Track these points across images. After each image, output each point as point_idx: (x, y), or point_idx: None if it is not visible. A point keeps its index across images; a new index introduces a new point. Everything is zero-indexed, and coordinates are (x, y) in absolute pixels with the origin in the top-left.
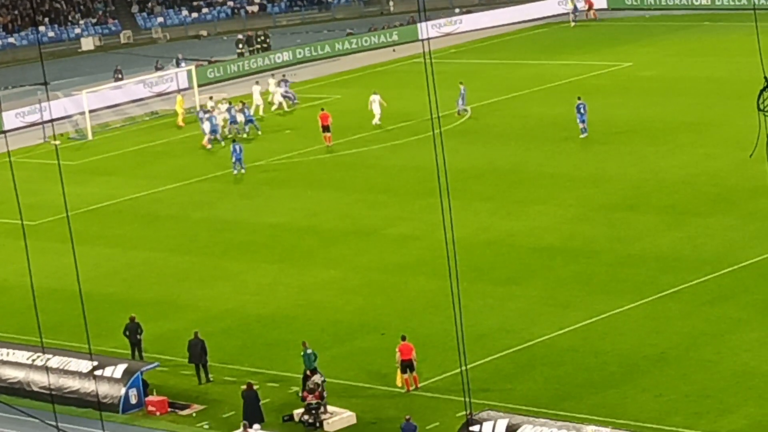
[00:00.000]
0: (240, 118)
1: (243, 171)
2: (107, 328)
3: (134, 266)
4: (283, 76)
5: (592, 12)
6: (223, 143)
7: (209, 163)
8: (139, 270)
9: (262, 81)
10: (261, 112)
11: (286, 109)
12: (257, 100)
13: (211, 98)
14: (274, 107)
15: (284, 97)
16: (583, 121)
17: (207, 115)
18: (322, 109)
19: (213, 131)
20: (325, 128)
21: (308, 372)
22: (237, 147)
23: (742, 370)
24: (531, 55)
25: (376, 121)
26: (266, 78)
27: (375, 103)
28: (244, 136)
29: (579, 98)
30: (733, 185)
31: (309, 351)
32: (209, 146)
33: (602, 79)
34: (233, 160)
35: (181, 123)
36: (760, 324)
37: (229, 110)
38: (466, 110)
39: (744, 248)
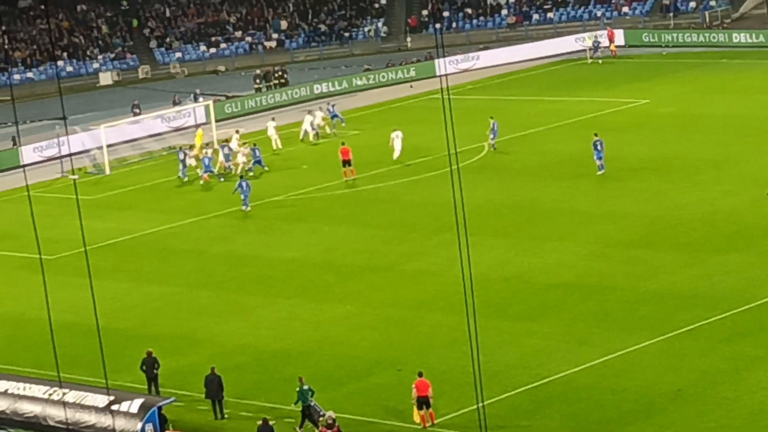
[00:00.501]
0: (241, 158)
1: (248, 209)
2: (124, 363)
3: (151, 301)
4: (328, 103)
5: (612, 47)
6: (221, 180)
7: (226, 198)
8: (155, 305)
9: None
10: (279, 145)
11: (311, 140)
12: (273, 135)
13: (237, 131)
14: (309, 136)
15: (326, 120)
16: (600, 158)
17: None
18: (343, 144)
19: (207, 169)
20: (346, 162)
21: (304, 408)
22: (243, 184)
23: (760, 408)
24: (548, 92)
25: (397, 155)
26: (314, 107)
27: (397, 139)
28: (251, 174)
29: (596, 135)
30: (750, 223)
31: (305, 387)
32: (208, 179)
33: (619, 115)
34: (242, 197)
35: (196, 153)
36: None
37: (222, 148)
38: (492, 145)
39: (761, 286)
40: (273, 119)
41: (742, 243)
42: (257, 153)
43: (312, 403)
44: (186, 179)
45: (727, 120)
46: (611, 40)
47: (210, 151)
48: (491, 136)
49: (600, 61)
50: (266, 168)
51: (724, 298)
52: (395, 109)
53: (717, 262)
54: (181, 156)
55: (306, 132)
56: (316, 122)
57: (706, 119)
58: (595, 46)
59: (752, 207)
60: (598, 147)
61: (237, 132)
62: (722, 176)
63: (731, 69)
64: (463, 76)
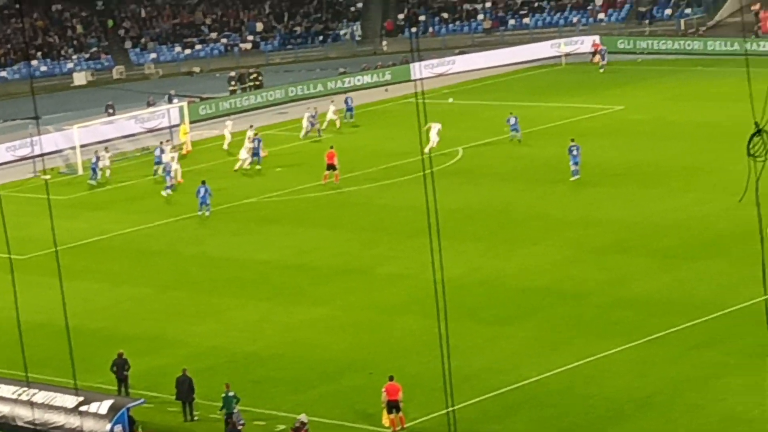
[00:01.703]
0: (244, 153)
1: (207, 214)
2: (94, 364)
3: (123, 302)
4: (347, 96)
5: (597, 57)
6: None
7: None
8: (127, 305)
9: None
10: (226, 146)
11: (301, 137)
12: (228, 137)
13: (251, 126)
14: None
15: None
16: (575, 164)
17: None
18: (331, 147)
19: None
20: (330, 166)
21: (227, 415)
22: (201, 189)
23: (728, 415)
24: (523, 97)
25: (431, 146)
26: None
27: (434, 130)
28: (257, 168)
29: (572, 140)
30: (723, 230)
31: (231, 394)
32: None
33: (594, 121)
34: (199, 201)
35: (189, 149)
36: (747, 369)
37: (161, 151)
38: (517, 137)
39: (733, 293)
40: (230, 120)
41: (715, 250)
42: (256, 146)
43: (235, 411)
44: (95, 182)
45: (701, 127)
46: (596, 51)
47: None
48: (512, 130)
49: (602, 70)
50: (259, 166)
51: (696, 305)
52: (370, 113)
53: (690, 269)
54: (94, 160)
55: (310, 127)
56: (328, 116)
57: (680, 126)
58: (602, 54)
59: (725, 214)
60: (574, 152)
61: (251, 127)
62: (696, 183)
63: (706, 76)
64: (439, 80)
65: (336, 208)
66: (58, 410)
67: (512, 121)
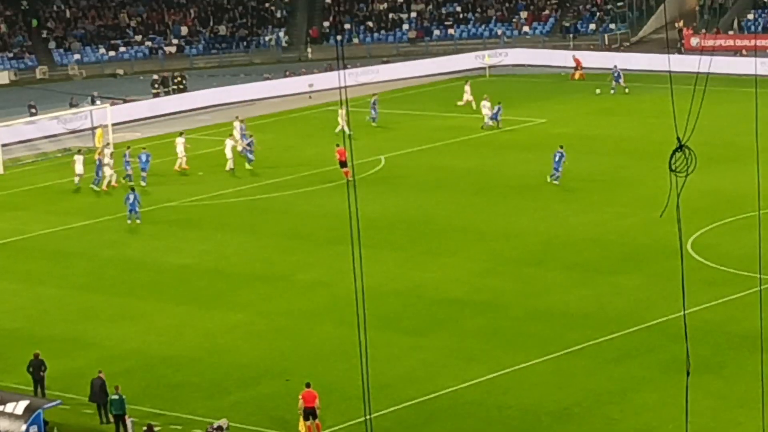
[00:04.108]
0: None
1: (138, 221)
2: (11, 364)
3: (41, 302)
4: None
5: (579, 73)
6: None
7: (120, 201)
8: (45, 306)
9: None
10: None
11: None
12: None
13: (237, 117)
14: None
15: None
16: (556, 169)
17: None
18: (338, 145)
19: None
20: (343, 164)
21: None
22: (130, 196)
23: (644, 429)
24: (446, 108)
25: (487, 122)
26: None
27: (485, 108)
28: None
29: (561, 147)
30: (642, 245)
31: (115, 396)
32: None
33: (516, 134)
34: (128, 209)
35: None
36: (663, 384)
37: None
38: (494, 123)
39: (650, 308)
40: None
41: (633, 264)
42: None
43: (122, 413)
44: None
45: (622, 142)
46: (578, 67)
47: (109, 153)
48: (490, 114)
49: (626, 90)
50: (248, 165)
51: (614, 318)
52: (293, 119)
53: (607, 283)
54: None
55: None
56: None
57: (601, 141)
58: (616, 76)
59: (644, 229)
60: (556, 158)
61: (237, 118)
62: (615, 198)
63: (629, 91)
64: (363, 89)
65: (256, 214)
66: None
67: (496, 109)
